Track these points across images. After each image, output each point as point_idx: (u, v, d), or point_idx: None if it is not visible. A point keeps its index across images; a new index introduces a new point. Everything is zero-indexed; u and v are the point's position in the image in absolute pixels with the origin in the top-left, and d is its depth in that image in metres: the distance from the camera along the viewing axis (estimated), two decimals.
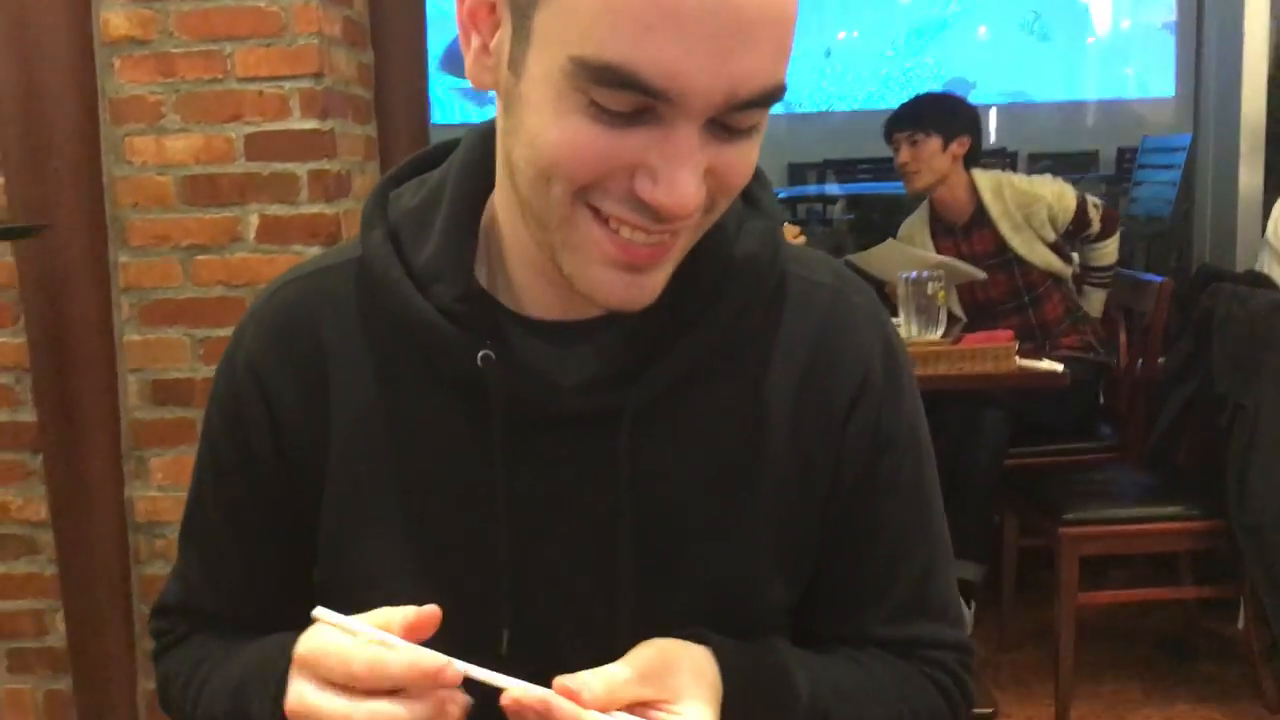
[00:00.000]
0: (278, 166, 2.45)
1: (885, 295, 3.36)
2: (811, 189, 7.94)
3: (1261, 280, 3.15)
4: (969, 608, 3.23)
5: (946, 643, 0.92)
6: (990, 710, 2.88)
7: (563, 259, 0.75)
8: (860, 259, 3.42)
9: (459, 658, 0.75)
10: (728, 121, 0.70)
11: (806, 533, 0.87)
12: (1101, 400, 3.49)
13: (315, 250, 2.46)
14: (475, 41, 0.75)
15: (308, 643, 0.73)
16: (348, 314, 0.87)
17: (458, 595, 0.81)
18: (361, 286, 0.86)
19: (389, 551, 0.85)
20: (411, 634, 0.71)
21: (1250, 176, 3.79)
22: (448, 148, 0.90)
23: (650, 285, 0.76)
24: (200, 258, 2.48)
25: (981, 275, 3.35)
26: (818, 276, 0.89)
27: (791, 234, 2.87)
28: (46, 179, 2.40)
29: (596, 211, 0.72)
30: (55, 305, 2.45)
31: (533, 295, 0.84)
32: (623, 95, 0.67)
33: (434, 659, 0.69)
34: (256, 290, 2.42)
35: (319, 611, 0.73)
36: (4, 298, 2.51)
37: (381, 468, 0.85)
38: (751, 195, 0.86)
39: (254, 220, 2.46)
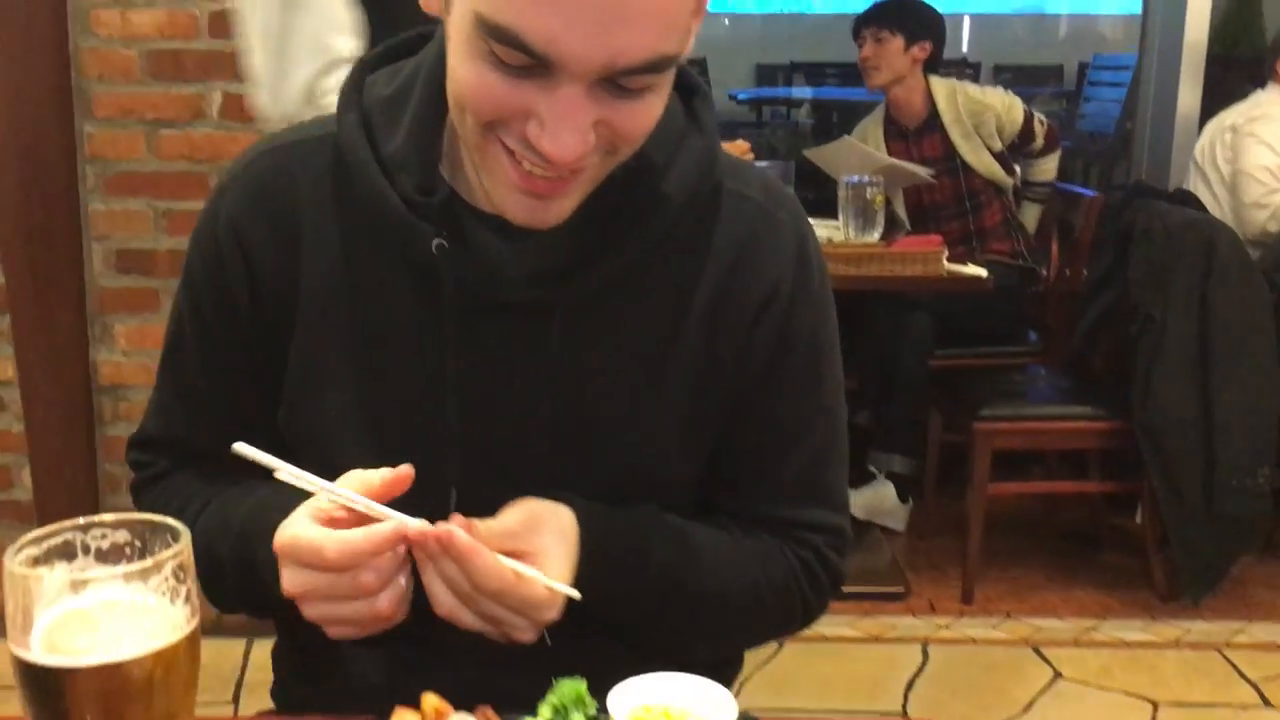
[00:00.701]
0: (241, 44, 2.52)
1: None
2: (779, 91, 7.97)
3: (1186, 198, 3.31)
4: (905, 503, 3.45)
5: (821, 525, 1.04)
6: (902, 589, 3.10)
7: (481, 176, 0.87)
8: (814, 154, 3.54)
9: (409, 512, 0.87)
10: (620, 82, 0.78)
11: (708, 419, 0.99)
12: (1028, 307, 3.66)
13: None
14: None
15: (282, 536, 0.84)
16: (321, 186, 0.95)
17: (409, 454, 0.92)
18: (335, 163, 0.94)
19: (346, 409, 0.96)
20: (391, 490, 0.84)
21: (1189, 97, 3.91)
22: (422, 37, 0.98)
23: (555, 210, 0.86)
24: (164, 132, 2.56)
25: (928, 176, 3.48)
26: (748, 190, 0.99)
27: (741, 149, 2.97)
28: (14, 47, 2.46)
29: (504, 144, 0.82)
30: (22, 172, 2.53)
31: (486, 192, 0.90)
32: (512, 53, 0.75)
33: (388, 525, 0.82)
34: (220, 166, 2.53)
35: (239, 446, 0.83)
36: None
37: (342, 329, 0.96)
38: (694, 112, 0.96)
39: (217, 97, 2.54)
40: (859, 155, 3.36)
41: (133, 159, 2.58)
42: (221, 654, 2.68)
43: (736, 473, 1.02)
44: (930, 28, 3.60)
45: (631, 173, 0.89)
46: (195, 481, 1.03)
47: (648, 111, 0.82)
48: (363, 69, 0.97)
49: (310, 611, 0.85)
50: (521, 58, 0.76)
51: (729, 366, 0.98)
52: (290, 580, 0.84)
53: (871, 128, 3.73)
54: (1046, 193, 3.76)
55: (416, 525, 0.83)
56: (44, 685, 0.70)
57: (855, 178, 3.04)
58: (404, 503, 0.89)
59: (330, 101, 1.12)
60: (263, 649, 2.50)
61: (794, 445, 1.01)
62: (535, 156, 0.81)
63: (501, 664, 0.89)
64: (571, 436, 0.95)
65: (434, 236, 0.90)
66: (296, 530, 0.84)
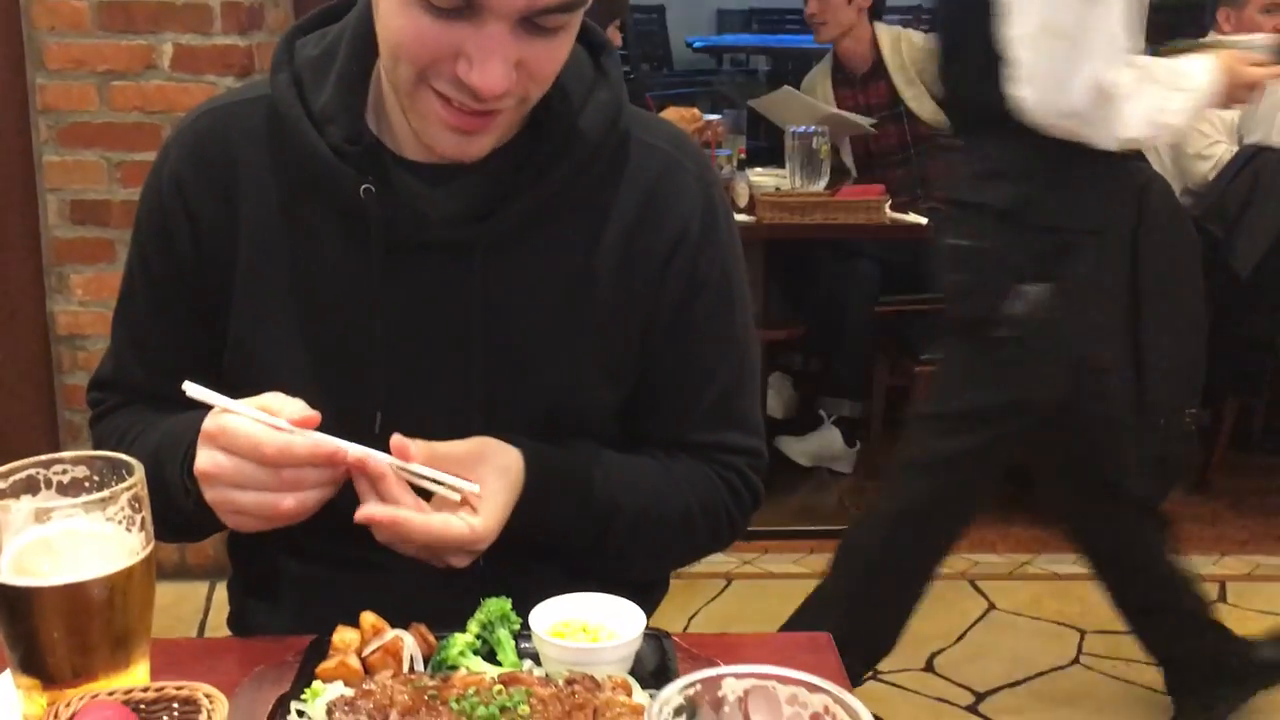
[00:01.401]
0: None
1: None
2: (738, 39, 7.99)
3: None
4: (853, 447, 3.56)
5: (742, 448, 1.13)
6: (846, 528, 3.21)
7: (410, 118, 0.95)
8: (759, 104, 3.61)
9: (340, 436, 0.94)
10: (537, 21, 0.87)
11: (628, 352, 1.07)
12: None
13: (229, 81, 2.58)
14: None
15: (216, 419, 0.91)
16: (258, 143, 1.03)
17: (341, 385, 1.02)
18: (269, 120, 1.03)
19: (284, 343, 1.04)
20: (301, 425, 0.89)
21: (1132, 46, 3.99)
22: (348, 4, 1.05)
23: (478, 145, 0.94)
24: (116, 83, 2.59)
25: (869, 126, 3.56)
26: (656, 141, 1.07)
27: (693, 116, 3.04)
28: None
29: (435, 90, 0.90)
30: None
31: (410, 140, 1.00)
32: None
33: (333, 442, 0.89)
34: (172, 117, 2.57)
35: (189, 386, 0.91)
36: None
37: (280, 274, 1.03)
38: (601, 66, 1.03)
39: (168, 49, 2.56)
40: (801, 105, 3.42)
41: (85, 110, 2.60)
42: (184, 596, 2.76)
43: (658, 401, 1.10)
44: None
45: (544, 119, 0.98)
46: (141, 414, 1.10)
47: (559, 51, 0.92)
48: (294, 33, 1.06)
49: (212, 494, 0.91)
50: (452, 0, 0.84)
51: (644, 302, 1.06)
52: (207, 460, 0.90)
53: (820, 77, 3.78)
54: None
55: (357, 451, 0.90)
56: (13, 604, 0.77)
57: (801, 128, 3.11)
58: (331, 426, 0.96)
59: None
60: (224, 592, 2.59)
61: (711, 376, 1.10)
62: (464, 97, 0.89)
63: (435, 586, 0.97)
64: (495, 367, 1.03)
65: (361, 182, 0.98)
66: (233, 421, 0.90)
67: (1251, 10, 3.55)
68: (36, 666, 0.79)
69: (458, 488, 0.93)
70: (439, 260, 1.01)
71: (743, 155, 3.69)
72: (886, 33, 3.65)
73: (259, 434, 0.88)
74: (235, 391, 0.93)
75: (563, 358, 1.05)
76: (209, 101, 1.09)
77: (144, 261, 1.08)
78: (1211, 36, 3.34)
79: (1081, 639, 2.72)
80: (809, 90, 3.77)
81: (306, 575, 1.08)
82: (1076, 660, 2.64)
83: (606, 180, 1.04)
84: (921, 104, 3.63)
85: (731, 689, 0.56)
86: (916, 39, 3.65)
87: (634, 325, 1.06)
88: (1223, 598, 2.92)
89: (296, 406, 0.91)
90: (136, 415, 1.10)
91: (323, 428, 0.95)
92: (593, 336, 1.05)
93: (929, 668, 2.61)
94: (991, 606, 2.85)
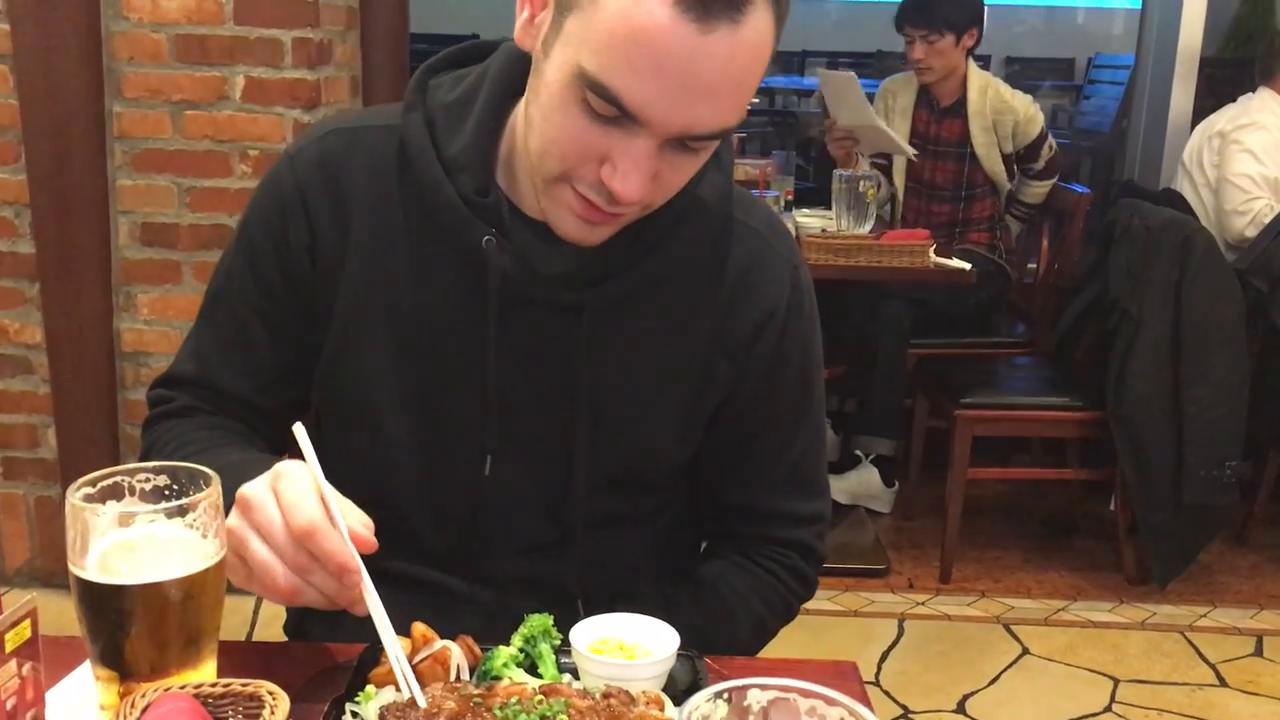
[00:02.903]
0: (264, 32, 2.65)
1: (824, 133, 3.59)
2: (790, 80, 8.06)
3: (1171, 198, 3.43)
4: (891, 487, 3.59)
5: (809, 517, 1.20)
6: (884, 567, 3.24)
7: (541, 198, 0.99)
8: (825, 76, 3.59)
9: (447, 479, 1.02)
10: (686, 141, 0.91)
11: (699, 419, 1.14)
12: (1004, 300, 3.78)
13: (296, 113, 2.68)
14: (527, 12, 0.96)
15: (292, 464, 0.88)
16: (383, 173, 1.07)
17: (450, 427, 1.07)
18: (398, 153, 1.06)
19: (381, 373, 1.08)
20: (353, 538, 0.85)
21: (1182, 99, 4.02)
22: (481, 49, 1.11)
23: (599, 235, 0.99)
24: (189, 112, 2.69)
25: (912, 155, 3.59)
26: (753, 222, 1.13)
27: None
28: (49, 28, 2.59)
29: (574, 188, 0.95)
30: (54, 147, 2.67)
31: (533, 198, 1.02)
32: (606, 105, 0.88)
33: (356, 558, 0.85)
34: (241, 146, 2.68)
35: (298, 429, 0.91)
36: (7, 137, 2.71)
37: (385, 305, 1.08)
38: (715, 150, 1.07)
39: (240, 81, 2.67)
40: (857, 100, 3.40)
41: (159, 137, 2.71)
42: (232, 609, 2.83)
43: (734, 468, 1.17)
44: (975, 12, 3.60)
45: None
46: (201, 430, 1.12)
47: (694, 167, 0.97)
48: (427, 72, 1.10)
49: (234, 523, 0.88)
50: (613, 110, 0.88)
51: (725, 378, 1.12)
52: (256, 489, 0.88)
53: (904, 87, 3.77)
54: (1029, 214, 3.85)
55: (367, 593, 0.88)
56: (97, 600, 0.84)
57: (849, 172, 3.16)
58: (444, 464, 1.05)
59: None
60: (270, 606, 2.65)
61: (787, 446, 1.17)
62: (599, 197, 0.94)
63: (501, 619, 1.03)
64: (587, 419, 1.09)
65: (485, 233, 1.03)
66: (301, 477, 0.87)
67: None
68: (114, 660, 0.85)
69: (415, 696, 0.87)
70: (549, 315, 1.06)
71: (790, 196, 3.75)
72: (977, 76, 3.66)
73: (305, 500, 0.86)
74: (324, 408, 0.97)
75: (647, 420, 1.11)
76: (335, 120, 1.14)
77: (253, 263, 1.11)
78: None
79: (1115, 687, 2.71)
80: (890, 91, 3.80)
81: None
82: (1109, 708, 2.64)
83: (710, 257, 1.10)
84: (989, 153, 3.66)
85: (756, 699, 0.61)
86: (1004, 91, 3.66)
87: (714, 397, 1.13)
88: (1260, 652, 2.90)
89: (364, 519, 0.89)
90: (198, 429, 1.13)
91: (427, 467, 1.03)
92: (675, 402, 1.12)
93: (960, 709, 2.62)
94: (1025, 651, 2.86)
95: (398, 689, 0.89)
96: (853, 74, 3.49)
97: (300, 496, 0.85)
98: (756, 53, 0.88)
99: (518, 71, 1.04)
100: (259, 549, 0.87)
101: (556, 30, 0.91)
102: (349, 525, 0.86)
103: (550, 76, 0.92)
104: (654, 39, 0.84)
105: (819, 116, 6.87)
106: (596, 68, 0.87)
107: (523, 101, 1.01)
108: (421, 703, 0.85)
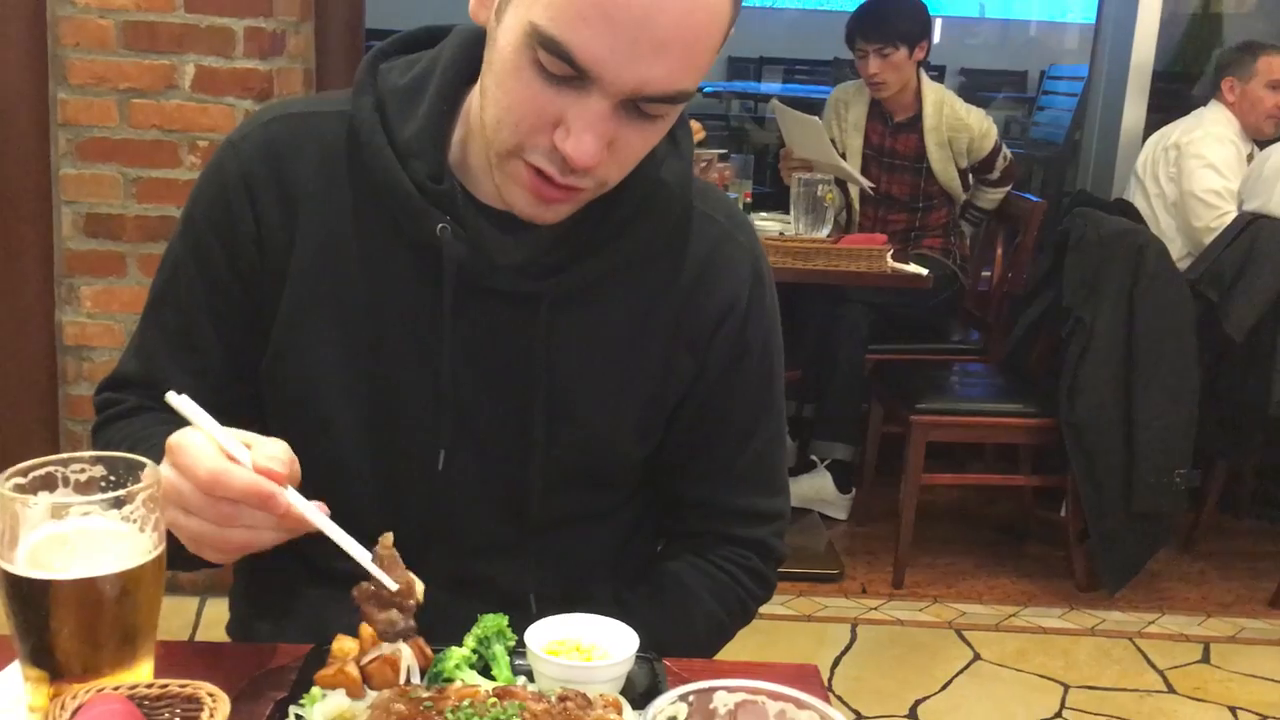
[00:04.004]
0: (215, 20, 2.60)
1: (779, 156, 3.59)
2: (747, 85, 8.08)
3: (1124, 208, 3.46)
4: (847, 493, 3.58)
5: (769, 514, 1.17)
6: (837, 571, 3.23)
7: (496, 175, 0.96)
8: (782, 110, 3.56)
9: (398, 475, 0.98)
10: (640, 105, 0.89)
11: (661, 414, 1.11)
12: (959, 306, 3.80)
13: (248, 104, 2.63)
14: None
15: (180, 434, 0.87)
16: (333, 159, 1.03)
17: (403, 420, 1.03)
18: (347, 139, 1.03)
19: (330, 364, 1.04)
20: (260, 473, 0.84)
21: (1134, 112, 4.06)
22: (432, 34, 1.07)
23: (554, 212, 0.96)
24: (136, 101, 2.63)
25: (869, 188, 3.61)
26: (713, 212, 1.11)
27: (694, 129, 3.07)
28: None
29: (527, 161, 0.92)
30: None
31: (489, 184, 0.99)
32: (557, 62, 0.86)
33: (269, 484, 0.83)
34: (190, 136, 2.62)
35: (171, 396, 0.88)
36: None
37: (335, 293, 1.04)
38: (674, 137, 1.06)
39: (190, 70, 2.61)
40: (816, 141, 3.40)
41: (105, 125, 2.64)
42: (175, 609, 2.77)
43: (695, 463, 1.15)
44: (925, 24, 3.60)
45: (614, 188, 0.99)
46: (151, 425, 1.08)
47: (650, 138, 0.94)
48: (377, 56, 1.07)
49: (166, 514, 0.87)
50: (565, 68, 0.86)
51: (688, 369, 1.10)
52: (164, 473, 0.86)
53: (856, 98, 3.75)
54: (981, 220, 3.87)
55: (297, 506, 0.86)
56: (27, 596, 0.79)
57: (807, 176, 3.16)
58: (395, 459, 1.02)
59: None
60: (215, 607, 2.59)
61: (746, 440, 1.15)
62: (553, 166, 0.91)
63: (433, 603, 0.99)
64: (544, 413, 1.06)
65: (440, 221, 1.00)
66: (192, 438, 0.86)
67: (1256, 84, 3.61)
68: (45, 659, 0.81)
69: (385, 585, 0.89)
70: (506, 305, 1.03)
71: (748, 199, 3.74)
72: (932, 91, 3.65)
73: (201, 455, 0.84)
74: (270, 405, 0.94)
75: (606, 412, 1.08)
76: (280, 105, 1.10)
77: (198, 257, 1.07)
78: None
79: (1065, 693, 2.72)
80: (841, 101, 3.79)
81: (316, 592, 1.10)
82: (1059, 714, 2.65)
83: (669, 247, 1.07)
84: (945, 168, 3.66)
85: (723, 702, 0.59)
86: (958, 107, 3.66)
87: (675, 389, 1.11)
88: (1207, 659, 2.93)
89: (275, 450, 0.86)
90: (149, 425, 1.09)
91: (378, 463, 1.00)
92: (635, 395, 1.09)
93: (912, 715, 2.61)
94: (977, 657, 2.87)
95: (349, 683, 0.85)
96: (818, 120, 3.46)
97: (195, 455, 0.84)
98: (712, 12, 0.87)
99: (472, 56, 1.01)
100: (186, 522, 0.86)
101: None
102: (253, 459, 0.85)
103: (502, 42, 0.90)
104: None
105: (774, 127, 6.90)
106: (547, 21, 0.85)
107: (478, 83, 0.98)
108: (391, 586, 0.85)
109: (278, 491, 0.84)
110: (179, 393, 0.90)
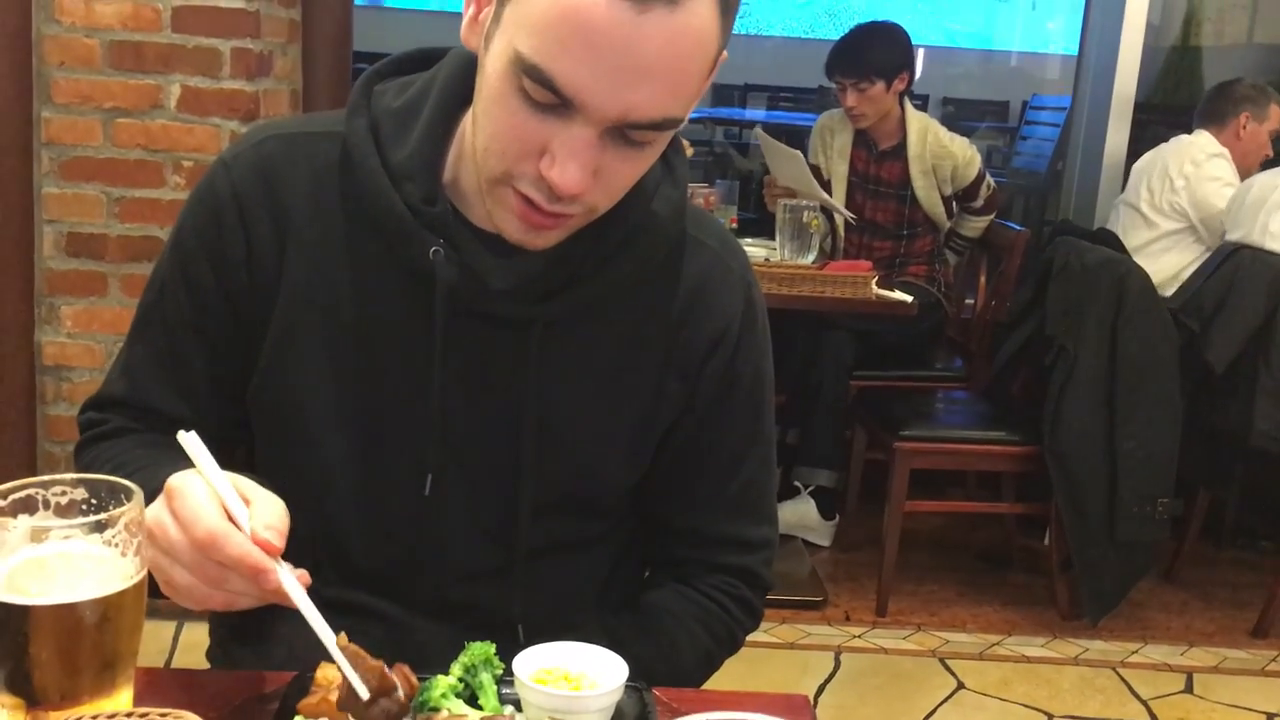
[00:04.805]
0: (202, 40, 2.59)
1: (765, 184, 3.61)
2: (732, 111, 8.12)
3: (1106, 238, 3.48)
4: (830, 520, 3.57)
5: (758, 543, 1.16)
6: (821, 598, 3.22)
7: (486, 199, 0.96)
8: (767, 141, 3.58)
9: (385, 499, 0.98)
10: (626, 132, 0.88)
11: (649, 439, 1.10)
12: (943, 333, 3.81)
13: (234, 125, 2.62)
14: (472, 10, 0.93)
15: (183, 477, 0.85)
16: (325, 181, 1.03)
17: (390, 443, 1.02)
18: (340, 160, 1.02)
19: (320, 387, 1.03)
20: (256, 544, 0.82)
21: (1116, 140, 4.10)
22: (427, 56, 1.07)
23: (544, 239, 0.95)
24: (121, 120, 2.62)
25: (850, 219, 3.62)
26: (706, 239, 1.10)
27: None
28: None
29: (515, 188, 0.91)
30: None
31: (481, 208, 0.99)
32: (541, 90, 0.85)
33: (264, 559, 0.82)
34: (175, 156, 2.60)
35: (183, 436, 0.87)
36: None
37: (325, 315, 1.03)
38: (670, 163, 1.06)
39: (175, 90, 2.60)
40: (798, 172, 3.42)
41: (89, 145, 2.63)
42: (151, 635, 2.72)
43: (682, 491, 1.14)
44: (905, 57, 3.61)
45: (614, 209, 0.98)
46: (138, 449, 1.06)
47: (638, 166, 0.93)
48: (372, 78, 1.06)
49: (150, 555, 0.85)
50: (549, 96, 0.85)
51: (678, 397, 1.09)
52: (155, 515, 0.85)
53: (840, 126, 3.77)
54: (966, 248, 3.89)
55: (288, 585, 0.84)
56: (4, 621, 0.78)
57: (793, 202, 3.16)
58: (382, 483, 1.00)
59: None
60: (192, 631, 2.56)
61: (736, 469, 1.14)
62: (540, 194, 0.90)
63: (419, 629, 0.98)
64: (534, 437, 1.05)
65: (433, 244, 0.99)
66: (194, 488, 0.84)
67: (1266, 127, 3.65)
68: (21, 686, 0.79)
69: (358, 690, 0.84)
70: (497, 329, 1.02)
71: (734, 225, 3.75)
72: (916, 119, 3.67)
73: (202, 511, 0.83)
74: (258, 426, 0.92)
75: (596, 439, 1.07)
76: (272, 126, 1.09)
77: (186, 277, 1.06)
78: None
79: None
80: (828, 128, 3.80)
81: (299, 618, 1.07)
82: None
83: (662, 273, 1.07)
84: (929, 195, 3.68)
85: None
86: (942, 135, 3.68)
87: (665, 416, 1.10)
88: (1190, 689, 2.93)
89: (273, 519, 0.84)
90: (135, 448, 1.08)
91: (364, 486, 0.99)
92: (624, 421, 1.08)
93: None
94: (960, 685, 2.85)
95: (332, 712, 0.84)
96: (799, 153, 3.46)
97: (195, 509, 0.83)
98: (698, 39, 0.86)
99: (467, 79, 1.00)
100: (170, 570, 0.85)
101: (497, 22, 0.89)
102: (252, 528, 0.83)
103: (490, 69, 0.89)
104: (587, 19, 0.82)
105: (758, 154, 6.92)
106: (530, 50, 0.84)
107: (472, 107, 0.98)
108: (363, 693, 0.82)
109: (271, 569, 0.83)
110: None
